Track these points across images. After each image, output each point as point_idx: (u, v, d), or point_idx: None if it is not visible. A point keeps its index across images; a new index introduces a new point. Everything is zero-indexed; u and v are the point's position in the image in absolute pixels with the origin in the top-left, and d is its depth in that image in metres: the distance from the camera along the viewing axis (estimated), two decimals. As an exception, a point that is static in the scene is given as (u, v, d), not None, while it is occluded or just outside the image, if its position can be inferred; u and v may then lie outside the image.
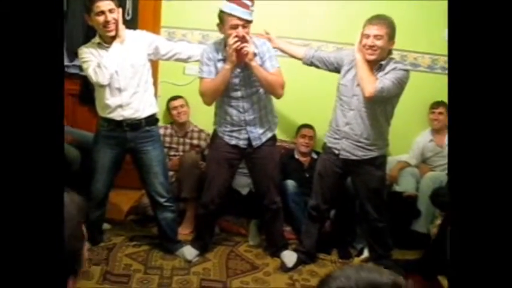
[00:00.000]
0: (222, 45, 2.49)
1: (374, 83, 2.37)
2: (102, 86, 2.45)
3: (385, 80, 2.39)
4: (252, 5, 2.39)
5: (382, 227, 2.69)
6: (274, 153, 2.80)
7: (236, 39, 2.33)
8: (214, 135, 2.72)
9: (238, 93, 2.52)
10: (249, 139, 2.61)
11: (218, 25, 2.43)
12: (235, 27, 2.34)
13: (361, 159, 2.57)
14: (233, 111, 2.56)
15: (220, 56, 2.49)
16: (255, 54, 2.43)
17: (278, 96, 2.59)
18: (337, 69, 2.63)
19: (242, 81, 2.51)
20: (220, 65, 2.48)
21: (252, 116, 2.58)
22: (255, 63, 2.43)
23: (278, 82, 2.51)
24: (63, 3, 3.35)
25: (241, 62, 2.42)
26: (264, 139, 2.65)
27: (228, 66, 2.41)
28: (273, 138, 2.73)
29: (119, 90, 2.48)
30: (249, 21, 2.38)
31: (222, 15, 2.38)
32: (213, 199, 2.70)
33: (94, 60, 2.42)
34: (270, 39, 2.70)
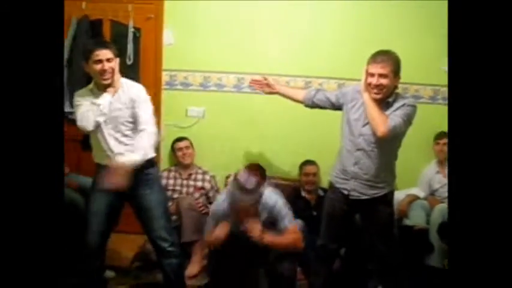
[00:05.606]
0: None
1: (386, 122, 2.31)
2: (90, 132, 2.44)
3: (396, 118, 2.33)
4: (256, 182, 2.39)
5: (394, 264, 2.60)
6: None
7: (247, 226, 2.39)
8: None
9: None
10: None
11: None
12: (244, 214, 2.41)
13: (372, 197, 2.50)
14: None
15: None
16: (264, 222, 2.45)
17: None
18: (340, 108, 2.59)
19: None
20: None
21: None
22: (267, 240, 2.41)
23: (294, 240, 2.51)
24: (64, 51, 3.40)
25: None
26: None
27: None
28: None
29: (111, 136, 2.45)
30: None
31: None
32: None
33: (84, 105, 2.41)
34: (268, 85, 2.80)
